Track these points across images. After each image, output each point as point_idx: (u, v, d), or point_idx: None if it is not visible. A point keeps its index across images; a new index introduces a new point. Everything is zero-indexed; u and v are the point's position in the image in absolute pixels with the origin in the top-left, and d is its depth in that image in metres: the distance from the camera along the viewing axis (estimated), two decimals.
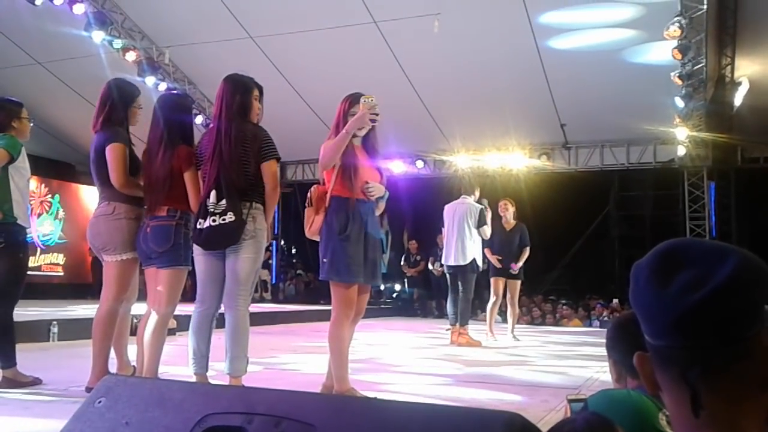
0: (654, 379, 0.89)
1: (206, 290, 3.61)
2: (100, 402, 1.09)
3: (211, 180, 3.53)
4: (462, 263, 7.46)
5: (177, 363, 4.35)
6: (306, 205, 3.74)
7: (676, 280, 0.84)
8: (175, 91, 10.03)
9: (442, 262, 7.76)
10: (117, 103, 4.00)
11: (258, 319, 8.90)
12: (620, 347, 1.71)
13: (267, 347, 6.33)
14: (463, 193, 7.77)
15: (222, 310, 3.65)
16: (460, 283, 7.57)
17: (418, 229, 15.60)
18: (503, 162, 12.70)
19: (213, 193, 3.48)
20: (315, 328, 8.61)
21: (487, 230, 7.64)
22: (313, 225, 3.67)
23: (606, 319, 11.87)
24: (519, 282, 8.23)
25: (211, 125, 3.75)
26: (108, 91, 4.03)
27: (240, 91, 3.69)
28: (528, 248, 8.23)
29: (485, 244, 7.82)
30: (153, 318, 3.68)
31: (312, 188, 3.75)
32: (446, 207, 7.81)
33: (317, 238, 3.70)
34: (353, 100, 3.73)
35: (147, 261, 3.82)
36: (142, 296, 3.91)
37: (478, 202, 7.78)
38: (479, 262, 7.57)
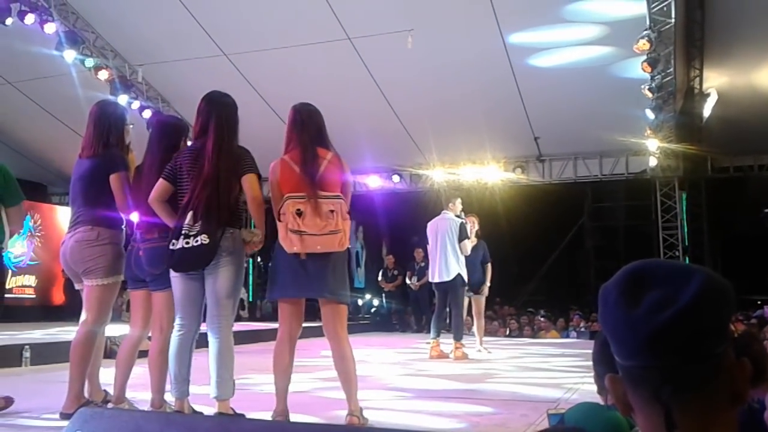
0: (626, 401, 0.90)
1: (186, 313, 3.53)
2: None
3: (193, 200, 3.43)
4: (446, 279, 7.44)
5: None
6: (344, 218, 3.57)
7: (644, 301, 0.86)
8: (172, 115, 9.94)
9: (429, 279, 7.68)
10: (113, 127, 3.99)
11: (235, 338, 8.77)
12: (604, 361, 1.74)
13: (246, 367, 6.24)
14: (443, 208, 7.79)
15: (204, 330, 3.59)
16: (450, 298, 7.57)
17: (395, 244, 15.59)
18: (479, 175, 12.79)
19: (190, 214, 3.40)
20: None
21: (468, 245, 7.63)
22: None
23: (583, 330, 11.93)
24: (483, 297, 8.27)
25: (194, 142, 3.64)
26: (102, 115, 4.01)
27: (231, 110, 3.66)
28: (489, 264, 8.23)
29: None
30: (156, 340, 3.65)
31: (343, 201, 3.60)
32: (429, 224, 7.75)
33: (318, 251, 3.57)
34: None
35: (137, 284, 3.81)
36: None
37: (458, 216, 7.78)
38: (465, 276, 7.55)
